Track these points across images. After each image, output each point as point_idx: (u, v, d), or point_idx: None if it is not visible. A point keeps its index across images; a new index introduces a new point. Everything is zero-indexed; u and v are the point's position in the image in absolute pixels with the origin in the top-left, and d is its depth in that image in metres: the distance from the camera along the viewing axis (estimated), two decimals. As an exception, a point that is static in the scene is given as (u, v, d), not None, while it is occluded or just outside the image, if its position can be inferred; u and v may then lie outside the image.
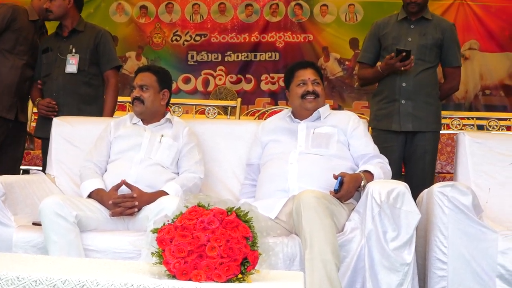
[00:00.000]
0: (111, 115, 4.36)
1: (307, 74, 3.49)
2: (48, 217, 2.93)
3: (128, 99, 4.10)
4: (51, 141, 3.84)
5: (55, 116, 4.11)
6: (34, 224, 3.16)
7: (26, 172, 4.86)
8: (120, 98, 4.92)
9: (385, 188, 2.89)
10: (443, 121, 4.45)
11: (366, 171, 3.20)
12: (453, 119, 5.93)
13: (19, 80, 4.39)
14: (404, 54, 3.92)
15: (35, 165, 5.14)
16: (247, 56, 9.02)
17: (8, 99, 4.36)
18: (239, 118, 6.18)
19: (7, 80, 4.35)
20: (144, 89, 3.56)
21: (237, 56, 9.03)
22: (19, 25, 4.39)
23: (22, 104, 4.48)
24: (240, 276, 1.90)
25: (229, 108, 6.49)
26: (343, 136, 3.39)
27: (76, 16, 4.50)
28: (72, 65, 4.35)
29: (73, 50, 4.38)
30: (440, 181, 3.50)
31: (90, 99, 4.42)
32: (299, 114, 3.51)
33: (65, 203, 2.98)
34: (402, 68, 3.97)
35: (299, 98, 3.48)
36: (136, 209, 3.16)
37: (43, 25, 4.63)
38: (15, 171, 4.44)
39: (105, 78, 4.44)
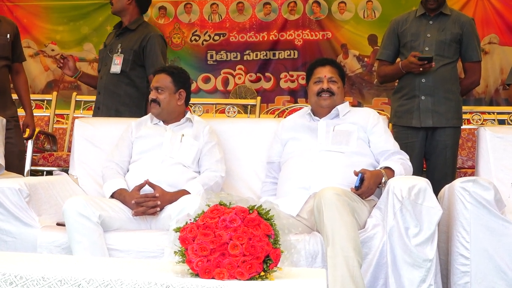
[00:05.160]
0: None
1: (324, 72, 3.49)
2: (71, 218, 2.96)
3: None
4: (73, 142, 3.85)
5: None
6: (58, 224, 3.19)
7: (50, 173, 4.90)
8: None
9: (406, 184, 2.88)
10: (463, 116, 4.42)
11: (387, 168, 3.20)
12: (473, 114, 5.87)
13: None
14: (426, 62, 3.93)
15: (58, 166, 5.17)
16: (266, 55, 9.00)
17: None
18: (259, 117, 6.18)
19: None
20: (159, 90, 3.56)
21: (256, 55, 9.02)
22: None
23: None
24: (262, 273, 1.90)
25: (249, 106, 6.49)
26: (363, 133, 3.39)
27: (135, 14, 4.40)
28: (116, 65, 4.28)
29: (119, 50, 4.32)
30: (461, 177, 3.47)
31: (132, 101, 4.34)
32: (317, 112, 3.51)
33: (88, 204, 3.01)
34: (421, 69, 3.98)
35: (314, 96, 3.48)
36: (158, 209, 3.18)
37: None
38: None
39: (149, 82, 4.36)
